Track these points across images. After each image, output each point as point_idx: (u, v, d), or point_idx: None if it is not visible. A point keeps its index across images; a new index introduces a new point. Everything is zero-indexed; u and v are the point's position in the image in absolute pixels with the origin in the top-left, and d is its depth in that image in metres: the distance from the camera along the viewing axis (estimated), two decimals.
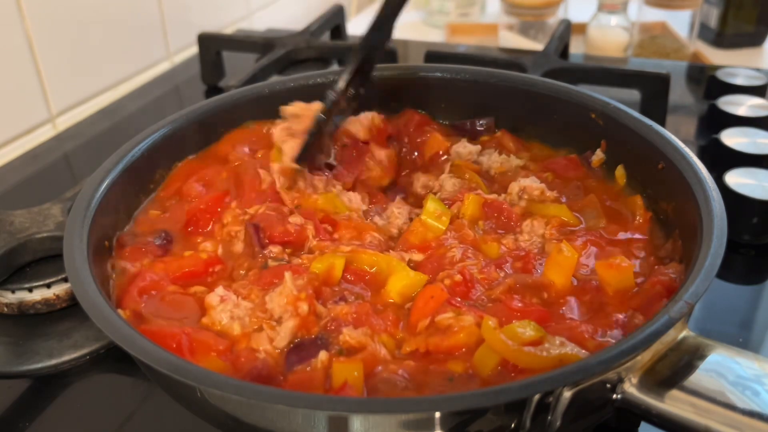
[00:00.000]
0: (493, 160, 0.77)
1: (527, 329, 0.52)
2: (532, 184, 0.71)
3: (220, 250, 0.66)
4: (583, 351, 0.51)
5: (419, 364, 0.53)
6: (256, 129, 0.80)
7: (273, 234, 0.65)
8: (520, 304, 0.57)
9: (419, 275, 0.61)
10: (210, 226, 0.69)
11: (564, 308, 0.58)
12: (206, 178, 0.74)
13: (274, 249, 0.64)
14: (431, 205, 0.68)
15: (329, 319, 0.57)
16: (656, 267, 0.61)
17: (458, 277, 0.59)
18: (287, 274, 0.58)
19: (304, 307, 0.56)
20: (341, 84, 0.72)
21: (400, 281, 0.60)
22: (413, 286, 0.60)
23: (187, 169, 0.76)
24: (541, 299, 0.59)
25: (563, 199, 0.71)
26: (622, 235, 0.66)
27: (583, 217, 0.69)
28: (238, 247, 0.66)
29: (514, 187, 0.71)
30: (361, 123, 0.77)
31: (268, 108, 0.81)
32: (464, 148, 0.79)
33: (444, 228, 0.66)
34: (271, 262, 0.63)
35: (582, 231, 0.66)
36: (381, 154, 0.77)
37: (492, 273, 0.61)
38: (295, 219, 0.66)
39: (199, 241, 0.68)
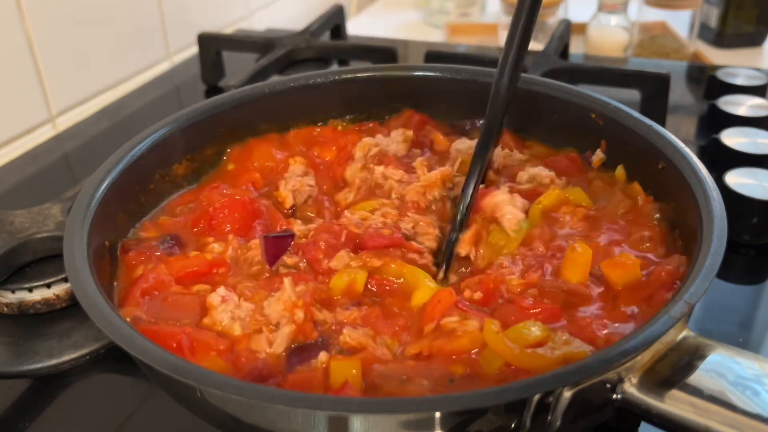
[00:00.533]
0: (496, 155, 0.77)
1: (532, 330, 0.52)
2: (540, 172, 0.72)
3: (230, 252, 0.65)
4: (589, 347, 0.51)
5: (420, 364, 0.53)
6: (262, 147, 0.80)
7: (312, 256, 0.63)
8: (531, 302, 0.57)
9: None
10: (227, 227, 0.68)
11: (590, 299, 0.58)
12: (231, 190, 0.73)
13: (289, 260, 0.63)
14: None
15: (334, 322, 0.57)
16: (662, 260, 0.61)
17: (478, 295, 0.59)
18: (286, 280, 0.58)
19: (299, 315, 0.56)
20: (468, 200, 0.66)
21: (425, 297, 0.59)
22: None
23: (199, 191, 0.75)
24: (568, 301, 0.58)
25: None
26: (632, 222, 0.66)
27: (599, 201, 0.69)
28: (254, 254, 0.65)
29: (523, 176, 0.72)
30: (397, 141, 0.78)
31: (268, 108, 0.81)
32: (463, 143, 0.79)
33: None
34: (282, 269, 0.63)
35: (605, 226, 0.66)
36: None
37: (534, 278, 0.60)
38: (340, 260, 0.63)
39: (210, 240, 0.67)
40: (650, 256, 0.62)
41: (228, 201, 0.69)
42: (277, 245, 0.64)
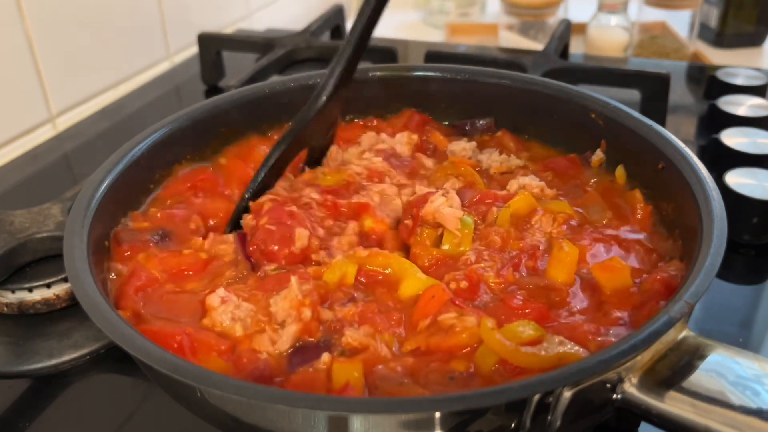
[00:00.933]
0: (493, 159, 0.77)
1: (526, 329, 0.52)
2: (531, 182, 0.71)
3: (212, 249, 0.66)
4: (583, 350, 0.51)
5: (420, 361, 0.53)
6: (256, 145, 0.81)
7: (277, 254, 0.63)
8: (520, 302, 0.57)
9: (431, 280, 0.60)
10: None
11: (570, 300, 0.58)
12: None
13: (269, 267, 0.63)
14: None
15: (334, 320, 0.57)
16: (659, 264, 0.61)
17: (464, 284, 0.59)
18: (293, 279, 0.58)
19: (307, 313, 0.56)
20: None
21: (412, 287, 0.60)
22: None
23: (191, 175, 0.76)
24: (549, 300, 0.58)
25: (561, 198, 0.71)
26: (623, 230, 0.66)
27: (588, 212, 0.69)
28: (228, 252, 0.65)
29: (513, 185, 0.71)
30: (401, 143, 0.79)
31: (268, 108, 0.81)
32: (457, 145, 0.79)
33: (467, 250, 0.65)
34: (270, 272, 0.62)
35: (588, 229, 0.66)
36: (429, 162, 0.78)
37: (509, 276, 0.60)
38: (302, 237, 0.64)
39: (197, 239, 0.67)
40: (636, 264, 0.62)
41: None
42: (243, 241, 0.65)
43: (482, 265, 0.61)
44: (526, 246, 0.63)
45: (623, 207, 0.69)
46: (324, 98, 0.73)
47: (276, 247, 0.63)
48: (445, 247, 0.64)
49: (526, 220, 0.67)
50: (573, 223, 0.67)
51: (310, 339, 0.55)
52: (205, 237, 0.67)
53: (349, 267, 0.61)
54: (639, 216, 0.67)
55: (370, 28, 0.73)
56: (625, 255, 0.63)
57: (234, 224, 0.69)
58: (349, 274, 0.60)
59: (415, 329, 0.56)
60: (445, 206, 0.66)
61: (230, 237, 0.66)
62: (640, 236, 0.65)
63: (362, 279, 0.61)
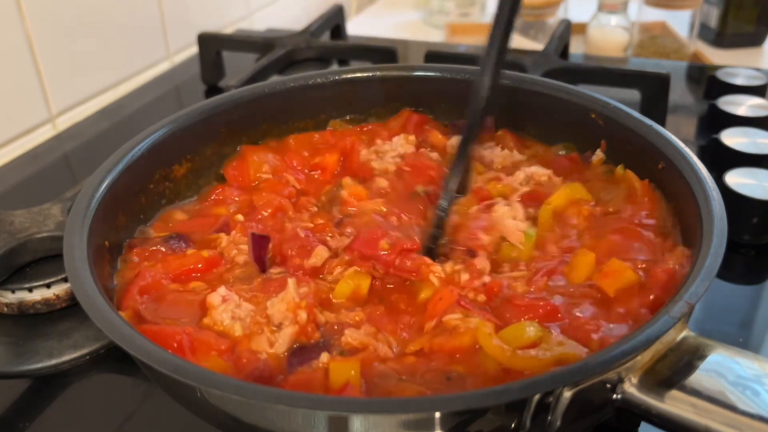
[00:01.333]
0: (496, 154, 0.78)
1: (527, 330, 0.52)
2: (538, 170, 0.72)
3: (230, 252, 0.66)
4: (583, 348, 0.51)
5: (420, 361, 0.53)
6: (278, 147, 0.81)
7: (289, 260, 0.63)
8: (529, 300, 0.57)
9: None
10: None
11: (582, 300, 0.58)
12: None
13: (275, 271, 0.63)
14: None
15: (336, 322, 0.57)
16: (664, 254, 0.60)
17: (481, 298, 0.58)
18: (290, 281, 0.58)
19: (302, 315, 0.56)
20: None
21: (428, 291, 0.59)
22: None
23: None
24: (565, 300, 0.58)
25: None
26: (641, 215, 0.65)
27: (600, 195, 0.69)
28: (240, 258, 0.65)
29: (520, 175, 0.72)
30: (401, 144, 0.79)
31: (268, 108, 0.81)
32: (457, 140, 0.79)
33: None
34: (274, 275, 0.62)
35: (610, 220, 0.65)
36: (434, 156, 0.78)
37: (541, 284, 0.59)
38: (318, 256, 0.63)
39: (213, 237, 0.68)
40: (643, 258, 0.61)
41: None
42: (257, 244, 0.64)
43: (514, 274, 0.61)
44: (561, 247, 0.63)
45: (623, 192, 0.69)
46: (486, 80, 0.66)
47: (293, 253, 0.63)
48: (505, 255, 0.63)
49: (562, 217, 0.67)
50: (595, 207, 0.67)
51: (309, 341, 0.55)
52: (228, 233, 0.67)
53: (363, 280, 0.60)
54: (639, 193, 0.67)
55: None
56: (641, 244, 0.62)
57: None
58: (362, 287, 0.60)
59: (421, 331, 0.56)
60: (508, 217, 0.65)
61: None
62: (651, 221, 0.64)
63: (377, 285, 0.61)
